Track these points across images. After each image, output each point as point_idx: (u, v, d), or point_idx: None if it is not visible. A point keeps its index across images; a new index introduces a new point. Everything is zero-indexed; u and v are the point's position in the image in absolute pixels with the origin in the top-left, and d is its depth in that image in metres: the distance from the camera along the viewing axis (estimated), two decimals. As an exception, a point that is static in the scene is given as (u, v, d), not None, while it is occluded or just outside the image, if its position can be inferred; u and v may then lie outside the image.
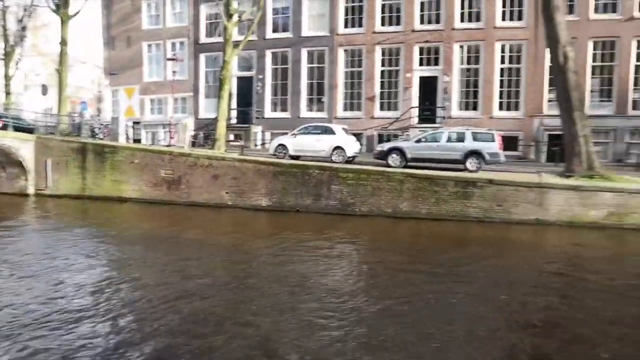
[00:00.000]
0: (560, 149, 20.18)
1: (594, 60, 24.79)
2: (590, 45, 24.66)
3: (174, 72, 25.98)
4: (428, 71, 26.34)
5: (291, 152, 20.53)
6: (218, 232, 15.71)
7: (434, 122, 25.62)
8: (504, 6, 25.43)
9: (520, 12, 25.29)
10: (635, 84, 24.58)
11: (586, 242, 14.78)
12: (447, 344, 7.57)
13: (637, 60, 24.50)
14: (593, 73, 24.87)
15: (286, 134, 21.73)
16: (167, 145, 24.43)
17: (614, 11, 24.56)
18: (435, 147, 18.87)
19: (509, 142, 22.77)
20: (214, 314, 8.40)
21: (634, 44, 24.39)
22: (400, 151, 19.14)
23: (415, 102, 26.43)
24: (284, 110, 28.89)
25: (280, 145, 20.87)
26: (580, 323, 8.67)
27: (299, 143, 20.58)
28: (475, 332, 8.00)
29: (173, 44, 31.44)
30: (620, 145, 24.45)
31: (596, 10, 24.70)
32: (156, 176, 20.32)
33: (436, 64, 26.23)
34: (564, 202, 16.31)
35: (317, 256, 12.41)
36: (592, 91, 24.87)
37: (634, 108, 24.58)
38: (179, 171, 20.02)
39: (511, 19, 25.39)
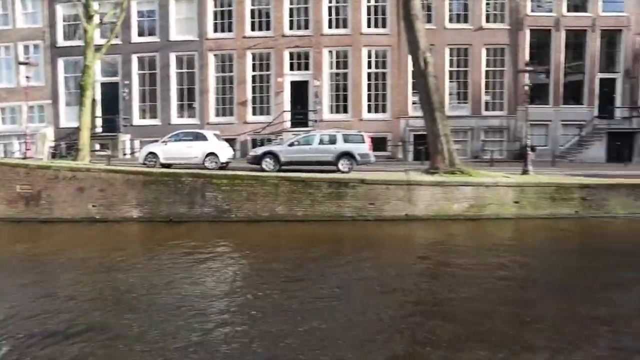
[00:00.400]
0: (425, 148, 21.43)
1: (450, 66, 26.70)
2: (447, 51, 26.55)
3: (27, 77, 23.85)
4: (299, 76, 26.74)
5: (162, 160, 19.74)
6: (79, 247, 14.63)
7: (306, 125, 26.02)
8: (369, 14, 26.54)
9: (384, 20, 26.55)
10: (487, 88, 26.86)
11: (451, 233, 15.83)
12: (315, 334, 7.65)
13: (487, 66, 26.79)
14: (451, 77, 26.79)
15: (156, 141, 20.86)
16: (23, 158, 22.36)
17: (465, 21, 26.68)
18: (308, 150, 19.16)
19: (379, 143, 23.78)
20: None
21: (484, 52, 26.64)
22: (274, 155, 19.17)
23: (287, 106, 26.70)
24: (153, 117, 27.75)
25: (150, 153, 19.99)
26: (449, 302, 9.50)
27: (170, 150, 19.86)
28: (354, 317, 8.18)
29: (26, 47, 28.87)
30: (477, 143, 26.59)
31: (451, 20, 26.68)
32: (11, 192, 18.48)
33: (306, 68, 26.69)
34: (430, 197, 17.31)
35: (189, 264, 11.99)
36: (450, 94, 26.78)
37: (487, 109, 26.86)
38: (38, 185, 18.35)
39: (376, 26, 26.58)
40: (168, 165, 19.67)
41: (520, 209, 17.58)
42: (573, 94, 27.42)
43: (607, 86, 27.46)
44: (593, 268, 12.02)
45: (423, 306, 9.51)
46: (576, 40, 27.23)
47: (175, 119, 27.33)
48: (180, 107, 27.67)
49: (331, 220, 16.90)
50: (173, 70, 27.32)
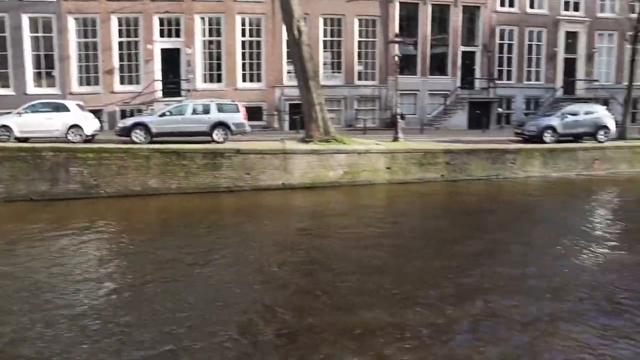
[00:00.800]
0: (301, 117, 21.58)
1: (324, 35, 26.94)
2: (321, 21, 26.72)
3: None
4: (170, 43, 25.52)
5: (17, 134, 17.96)
6: None
7: (178, 95, 24.98)
8: (241, -20, 25.84)
9: (257, -13, 26.02)
10: (359, 58, 27.51)
11: (328, 200, 16.22)
12: (201, 311, 7.53)
13: (360, 37, 27.38)
14: (325, 47, 27.05)
15: (10, 113, 18.91)
16: None
17: (339, -9, 26.94)
18: (181, 121, 18.45)
19: (254, 113, 23.53)
20: None
21: (356, 22, 27.18)
22: (144, 126, 18.21)
23: (158, 75, 25.41)
24: (4, 85, 25.07)
25: (2, 126, 18.08)
26: (328, 264, 9.92)
27: (26, 123, 18.08)
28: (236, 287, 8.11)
29: None
30: (350, 112, 27.29)
31: (324, -11, 26.78)
32: None
33: (178, 35, 25.53)
34: (306, 165, 17.54)
35: (52, 248, 11.12)
36: (324, 63, 27.07)
37: (359, 79, 27.56)
38: None
39: (249, -8, 25.99)
40: (24, 139, 17.96)
41: (392, 175, 18.42)
42: (439, 65, 28.94)
43: (469, 59, 29.34)
44: (451, 226, 13.20)
45: (305, 268, 9.79)
46: (441, 15, 28.66)
47: (31, 88, 24.90)
48: (38, 75, 25.24)
49: (207, 191, 16.56)
50: (26, 33, 24.74)
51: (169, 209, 15.19)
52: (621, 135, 23.90)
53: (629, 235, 12.41)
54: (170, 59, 25.45)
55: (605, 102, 27.82)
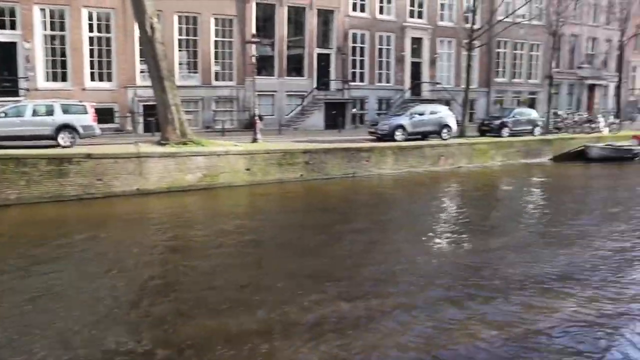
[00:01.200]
0: (156, 119, 20.73)
1: (180, 34, 26.12)
2: (176, 19, 25.86)
3: None
4: (5, 36, 23.05)
5: None
6: None
7: (16, 94, 22.65)
8: (86, -29, 24.15)
9: (104, -21, 24.49)
10: (216, 58, 27.12)
11: (186, 204, 15.86)
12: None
13: (217, 36, 26.98)
14: (180, 46, 26.23)
15: None
16: None
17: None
18: (20, 123, 16.75)
19: (105, 114, 22.18)
20: None
21: (213, 21, 26.75)
22: (-26, 130, 16.33)
23: (-10, 71, 22.94)
24: None
25: None
26: (183, 274, 9.61)
27: None
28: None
29: None
30: (208, 113, 26.81)
31: (177, -15, 25.96)
32: None
33: (14, 27, 23.18)
34: (163, 169, 16.92)
35: None
36: (180, 63, 26.27)
37: (217, 79, 27.16)
38: None
39: (97, -15, 24.39)
40: None
41: (252, 176, 18.45)
42: (295, 66, 29.48)
43: (324, 60, 30.26)
44: (309, 225, 13.60)
45: (157, 281, 9.37)
46: (297, 17, 29.21)
47: None
48: None
49: (53, 200, 15.24)
50: None
51: (6, 221, 13.74)
52: (462, 133, 26.20)
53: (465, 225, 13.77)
54: (6, 53, 23.03)
55: (447, 103, 30.30)
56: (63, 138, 17.09)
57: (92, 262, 10.39)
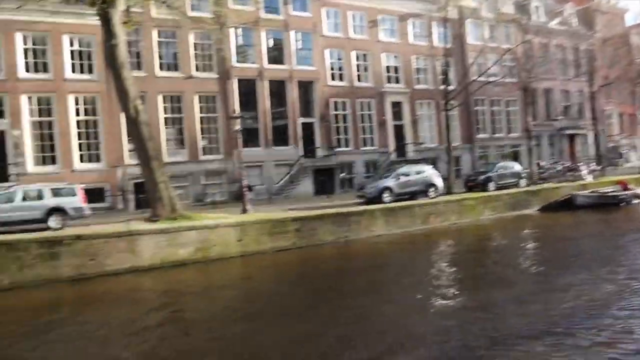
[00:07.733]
0: (147, 196, 20.85)
1: (165, 112, 26.79)
2: (160, 98, 26.60)
3: None
4: (-6, 125, 23.50)
5: None
6: None
7: (6, 180, 22.84)
8: (73, 58, 24.91)
9: (90, 66, 25.24)
10: (203, 133, 27.68)
11: (179, 280, 15.63)
12: None
13: (201, 113, 27.68)
14: (166, 124, 26.84)
15: None
16: None
17: (176, 69, 27.20)
18: (10, 209, 16.87)
19: (95, 194, 22.38)
20: None
21: (197, 99, 27.50)
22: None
23: (-20, 160, 23.12)
24: None
25: None
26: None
27: None
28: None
29: None
30: (198, 187, 27.05)
31: (161, 68, 26.86)
32: None
33: (2, 116, 23.60)
34: (155, 245, 16.88)
35: None
36: (168, 140, 26.79)
37: (204, 153, 27.63)
38: None
39: (82, 71, 25.09)
40: None
41: (244, 247, 18.40)
42: (281, 136, 30.10)
43: (308, 129, 30.98)
44: (303, 293, 13.52)
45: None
46: (278, 90, 30.16)
47: None
48: None
49: (46, 283, 15.05)
50: None
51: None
52: (449, 190, 26.54)
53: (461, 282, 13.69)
54: (-5, 142, 23.35)
55: (433, 162, 30.93)
56: (53, 221, 17.17)
57: (87, 343, 10.18)
